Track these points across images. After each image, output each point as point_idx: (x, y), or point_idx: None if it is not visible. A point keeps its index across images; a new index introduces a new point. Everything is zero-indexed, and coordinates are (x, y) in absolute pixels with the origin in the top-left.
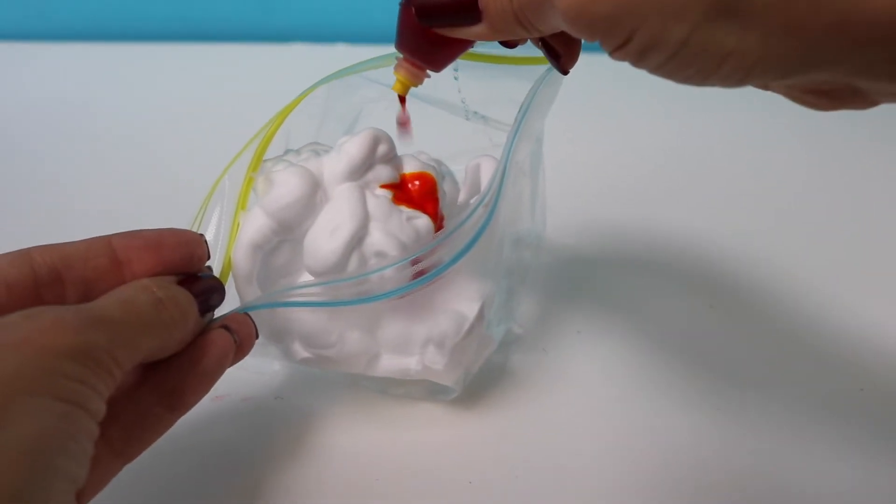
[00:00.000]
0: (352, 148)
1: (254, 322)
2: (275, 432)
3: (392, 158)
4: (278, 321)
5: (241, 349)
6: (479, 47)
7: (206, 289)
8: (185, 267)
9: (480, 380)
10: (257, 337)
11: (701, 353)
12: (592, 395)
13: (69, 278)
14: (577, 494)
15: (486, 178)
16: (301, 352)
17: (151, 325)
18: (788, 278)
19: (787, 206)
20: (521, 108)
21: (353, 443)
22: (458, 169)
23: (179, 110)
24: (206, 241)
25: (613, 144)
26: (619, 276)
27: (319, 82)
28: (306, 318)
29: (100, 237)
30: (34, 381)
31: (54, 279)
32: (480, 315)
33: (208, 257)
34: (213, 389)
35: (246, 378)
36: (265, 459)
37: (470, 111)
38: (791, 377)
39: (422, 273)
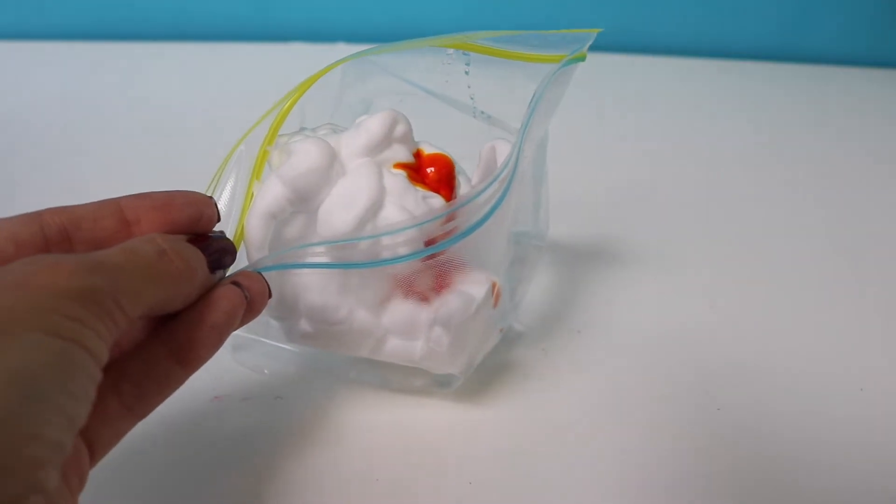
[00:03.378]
0: (372, 124)
1: (266, 281)
2: (275, 432)
3: (409, 140)
4: (287, 290)
5: (252, 306)
6: (493, 42)
7: (217, 248)
8: (194, 227)
9: (480, 380)
10: (270, 296)
11: (701, 353)
12: (592, 395)
13: (78, 238)
14: (577, 495)
15: (501, 160)
16: (306, 327)
17: (155, 273)
18: (789, 278)
19: (789, 206)
20: (531, 102)
21: (353, 443)
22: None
23: (179, 110)
24: (216, 203)
25: (616, 144)
26: (620, 276)
27: (341, 60)
28: (317, 290)
29: (109, 199)
30: (29, 318)
31: (63, 239)
32: (488, 298)
33: (218, 219)
34: (212, 389)
35: (246, 378)
36: (265, 459)
37: (477, 110)
38: (791, 376)
39: (433, 242)
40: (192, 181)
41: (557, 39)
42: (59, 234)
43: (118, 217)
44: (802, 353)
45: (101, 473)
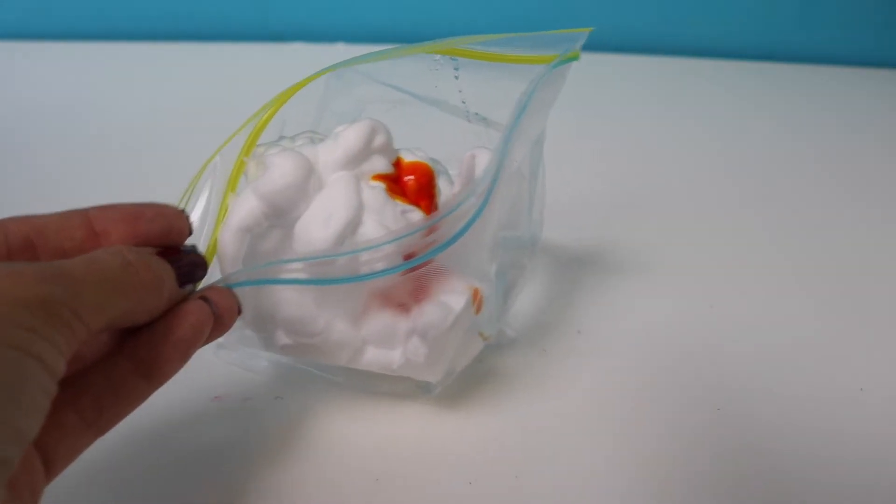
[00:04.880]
0: (349, 136)
1: (237, 297)
2: (275, 432)
3: (388, 150)
4: (264, 304)
5: (220, 322)
6: (481, 45)
7: (187, 262)
8: (164, 239)
9: (480, 380)
10: (240, 312)
11: (701, 353)
12: (592, 395)
13: (43, 248)
14: (577, 495)
15: (479, 169)
16: (283, 339)
17: (118, 285)
18: (789, 279)
19: (789, 207)
20: (518, 104)
21: (354, 442)
22: (456, 173)
23: (179, 109)
24: (187, 216)
25: (614, 144)
26: (620, 275)
27: (321, 71)
28: (294, 303)
29: (77, 209)
30: None
31: (27, 248)
32: (467, 308)
33: (189, 232)
34: (212, 389)
35: (246, 378)
36: (265, 459)
37: (471, 113)
38: (791, 376)
39: (412, 255)
40: (190, 181)
41: (549, 40)
42: (22, 243)
43: (85, 228)
44: (802, 353)
45: (100, 473)
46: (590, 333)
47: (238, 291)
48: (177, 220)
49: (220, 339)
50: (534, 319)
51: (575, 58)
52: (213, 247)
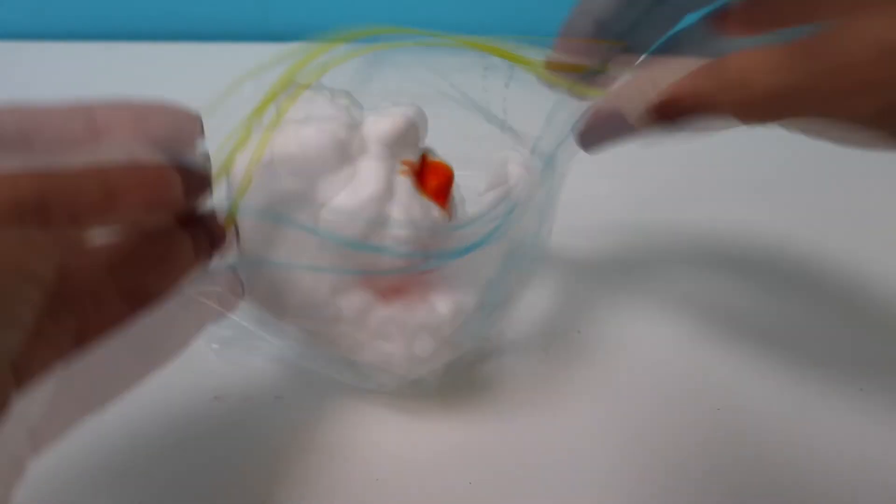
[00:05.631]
0: (396, 116)
1: (236, 225)
2: (275, 432)
3: (422, 141)
4: (275, 286)
5: (213, 246)
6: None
7: (196, 173)
8: (172, 143)
9: (481, 381)
10: (238, 240)
11: (702, 353)
12: (592, 396)
13: (39, 140)
14: (578, 495)
15: (512, 176)
16: (290, 324)
17: (121, 185)
18: (789, 279)
19: (789, 207)
20: (562, 138)
21: (354, 442)
22: (464, 174)
23: None
24: (201, 121)
25: (617, 146)
26: (621, 276)
27: (369, 48)
28: (306, 289)
29: (80, 103)
30: None
31: (21, 140)
32: (477, 308)
33: (201, 138)
34: (213, 389)
35: (246, 378)
36: (265, 459)
37: (506, 125)
38: (791, 376)
39: (428, 258)
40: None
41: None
42: (16, 134)
43: (87, 121)
44: (802, 353)
45: (99, 473)
46: (590, 335)
47: (250, 274)
48: (188, 123)
49: (220, 335)
50: (534, 321)
51: (604, 71)
52: (248, 179)
